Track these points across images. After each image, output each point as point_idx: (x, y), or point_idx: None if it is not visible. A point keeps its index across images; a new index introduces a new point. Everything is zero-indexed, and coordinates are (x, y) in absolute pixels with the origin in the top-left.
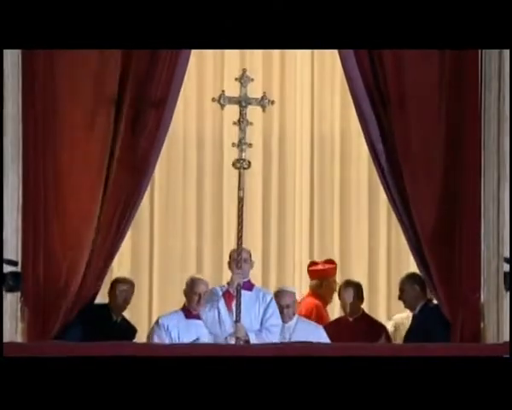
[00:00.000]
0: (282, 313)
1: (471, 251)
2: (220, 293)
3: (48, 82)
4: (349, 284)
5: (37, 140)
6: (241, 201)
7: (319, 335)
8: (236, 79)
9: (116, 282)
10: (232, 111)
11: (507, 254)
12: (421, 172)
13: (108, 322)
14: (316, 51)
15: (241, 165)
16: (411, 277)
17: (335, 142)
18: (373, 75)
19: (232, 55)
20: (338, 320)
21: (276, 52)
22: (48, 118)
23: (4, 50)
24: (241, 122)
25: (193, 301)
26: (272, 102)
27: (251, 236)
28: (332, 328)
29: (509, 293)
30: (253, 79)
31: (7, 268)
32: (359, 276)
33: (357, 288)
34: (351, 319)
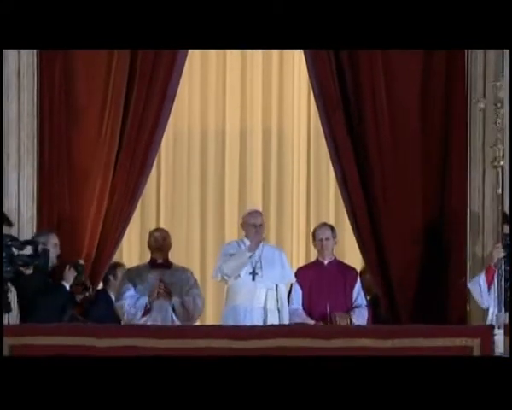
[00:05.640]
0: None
1: (457, 239)
2: None
3: (62, 80)
4: (325, 224)
5: (52, 134)
6: None
7: (282, 259)
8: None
9: (117, 265)
10: (233, 104)
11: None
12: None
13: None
14: None
15: None
16: None
17: None
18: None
19: (233, 55)
20: (313, 263)
21: (275, 52)
22: (62, 114)
23: (21, 52)
24: None
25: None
26: None
27: None
28: (307, 270)
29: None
30: None
31: (28, 249)
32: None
33: (332, 229)
34: (325, 263)
